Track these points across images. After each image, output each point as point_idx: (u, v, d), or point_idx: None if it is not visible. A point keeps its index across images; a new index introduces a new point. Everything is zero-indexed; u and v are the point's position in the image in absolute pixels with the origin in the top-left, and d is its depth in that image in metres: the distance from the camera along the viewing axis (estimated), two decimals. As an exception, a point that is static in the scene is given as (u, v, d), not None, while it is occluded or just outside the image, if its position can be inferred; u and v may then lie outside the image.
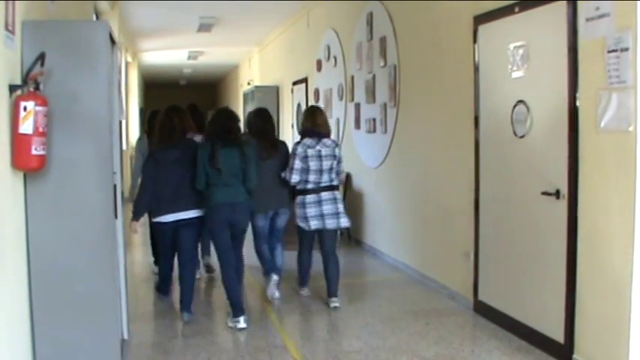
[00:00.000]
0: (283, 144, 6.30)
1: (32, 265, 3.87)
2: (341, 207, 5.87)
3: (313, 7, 10.85)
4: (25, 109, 3.40)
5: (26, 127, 3.41)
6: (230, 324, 5.29)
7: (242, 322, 5.22)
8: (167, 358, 4.65)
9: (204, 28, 12.61)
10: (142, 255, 8.71)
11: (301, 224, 5.86)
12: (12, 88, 3.45)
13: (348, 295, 6.61)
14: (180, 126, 5.56)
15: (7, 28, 3.38)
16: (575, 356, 4.23)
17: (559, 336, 4.37)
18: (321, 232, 5.88)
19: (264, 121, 6.17)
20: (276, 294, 6.06)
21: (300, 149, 5.76)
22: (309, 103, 11.45)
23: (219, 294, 6.38)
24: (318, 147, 5.79)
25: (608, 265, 3.92)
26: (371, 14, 8.05)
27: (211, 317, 5.63)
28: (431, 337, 4.97)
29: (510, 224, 5.02)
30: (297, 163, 5.73)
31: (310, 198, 5.79)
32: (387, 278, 6.98)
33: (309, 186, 5.79)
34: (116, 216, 4.31)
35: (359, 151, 8.69)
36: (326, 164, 5.79)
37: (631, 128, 3.69)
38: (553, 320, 4.42)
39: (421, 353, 4.66)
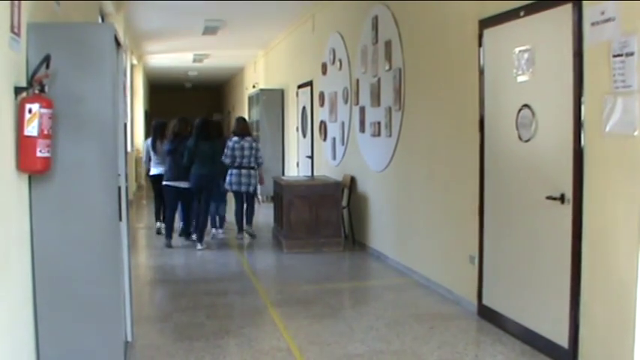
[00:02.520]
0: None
1: (37, 267, 3.88)
2: (252, 180, 9.46)
3: (319, 11, 10.86)
4: (30, 111, 3.41)
5: (31, 129, 3.42)
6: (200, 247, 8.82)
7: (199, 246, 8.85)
8: (171, 361, 4.65)
9: (210, 31, 12.64)
10: (146, 257, 8.73)
11: (227, 187, 9.49)
12: (17, 91, 3.46)
13: (352, 298, 6.63)
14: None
15: (12, 31, 3.39)
16: (579, 361, 4.22)
17: (563, 341, 4.36)
18: (239, 193, 9.50)
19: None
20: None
21: (230, 143, 9.40)
22: (314, 107, 11.49)
23: (223, 298, 6.40)
24: (241, 142, 9.37)
25: (613, 270, 3.91)
26: (376, 18, 8.05)
27: (216, 320, 5.62)
28: (435, 342, 4.96)
29: (515, 229, 5.01)
30: (228, 152, 9.31)
31: (234, 171, 9.36)
32: (392, 282, 6.97)
33: (235, 164, 9.33)
34: (121, 218, 4.31)
35: (364, 155, 8.69)
36: (246, 152, 9.35)
37: (636, 133, 3.67)
38: (557, 325, 4.41)
39: (425, 357, 4.64)
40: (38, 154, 3.46)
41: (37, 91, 3.53)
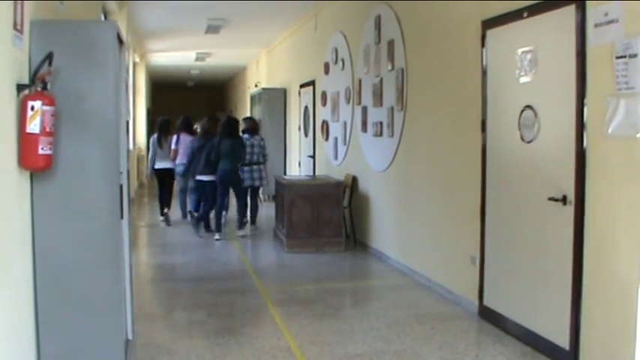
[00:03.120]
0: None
1: (38, 265, 3.87)
2: (263, 174, 10.08)
3: (321, 10, 10.86)
4: (32, 108, 3.40)
5: (33, 126, 3.41)
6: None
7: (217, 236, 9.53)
8: (171, 359, 4.64)
9: (212, 29, 12.64)
10: (147, 255, 8.73)
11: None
12: (20, 88, 3.46)
13: (353, 298, 6.62)
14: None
15: (15, 28, 3.39)
16: (580, 363, 4.22)
17: (564, 342, 4.35)
18: (248, 187, 10.04)
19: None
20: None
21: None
22: (316, 106, 11.49)
23: (224, 297, 6.40)
24: (251, 140, 9.97)
25: (614, 271, 3.90)
26: (379, 17, 8.05)
27: (217, 319, 5.62)
28: (436, 342, 4.96)
29: (516, 230, 5.01)
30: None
31: (245, 168, 9.87)
32: (393, 282, 6.97)
33: (246, 161, 9.86)
34: (122, 216, 4.31)
35: (365, 155, 8.68)
36: (255, 150, 9.95)
37: (639, 135, 3.67)
38: (558, 326, 4.41)
39: (426, 358, 4.64)
40: (40, 152, 3.46)
41: (39, 89, 3.53)
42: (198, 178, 10.03)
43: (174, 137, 10.75)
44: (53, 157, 3.63)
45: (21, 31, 3.51)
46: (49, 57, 3.62)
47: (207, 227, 10.17)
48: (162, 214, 11.04)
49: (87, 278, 3.99)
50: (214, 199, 9.82)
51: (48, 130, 3.47)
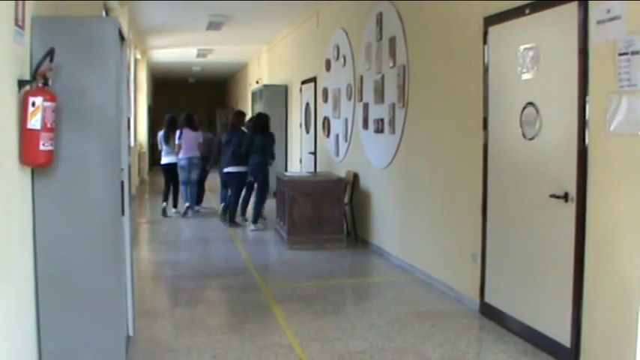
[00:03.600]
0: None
1: (39, 261, 3.87)
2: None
3: (323, 7, 10.85)
4: (33, 104, 3.40)
5: (34, 122, 3.41)
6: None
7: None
8: (172, 356, 4.64)
9: (214, 26, 12.62)
10: (148, 252, 8.74)
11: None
12: (21, 84, 3.46)
13: (354, 295, 6.63)
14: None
15: (16, 24, 3.39)
16: (581, 360, 4.22)
17: (565, 340, 4.35)
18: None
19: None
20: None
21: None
22: (317, 103, 11.49)
23: (225, 293, 6.40)
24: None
25: (616, 269, 3.90)
26: (381, 14, 8.04)
27: (218, 316, 5.63)
28: (437, 339, 4.96)
29: (518, 227, 5.00)
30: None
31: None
32: (394, 279, 6.97)
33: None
34: (123, 212, 4.31)
35: (367, 152, 8.68)
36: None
37: (641, 132, 3.66)
38: (560, 324, 4.40)
39: (427, 355, 4.64)
40: (41, 148, 3.45)
41: (40, 85, 3.52)
42: (227, 170, 10.48)
43: (177, 132, 11.19)
44: (54, 153, 3.63)
45: (22, 27, 3.51)
46: (51, 53, 3.61)
47: (233, 220, 10.52)
48: (175, 205, 11.64)
49: (88, 274, 4.00)
50: (240, 191, 10.42)
51: (49, 126, 3.47)
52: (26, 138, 3.43)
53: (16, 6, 3.37)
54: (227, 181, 10.75)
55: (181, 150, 11.12)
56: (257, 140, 9.98)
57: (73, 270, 3.97)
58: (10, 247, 3.35)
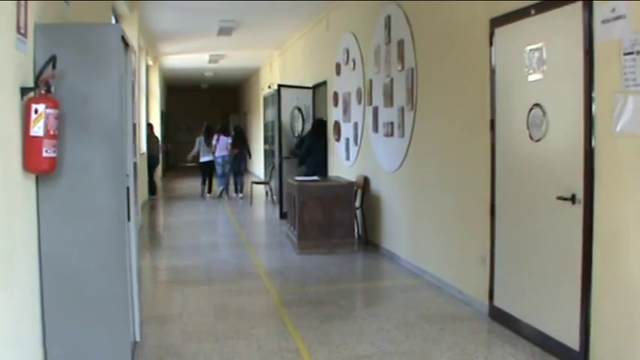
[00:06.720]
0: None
1: (44, 267, 3.89)
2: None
3: (332, 10, 10.85)
4: (36, 111, 3.43)
5: (37, 129, 3.44)
6: None
7: None
8: (179, 361, 4.65)
9: (225, 31, 12.67)
10: (150, 259, 8.75)
11: None
12: (23, 91, 3.48)
13: (363, 299, 6.60)
14: None
15: (19, 31, 3.41)
16: (590, 364, 4.17)
17: (574, 343, 4.30)
18: None
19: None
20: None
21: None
22: (328, 107, 11.48)
23: (233, 298, 6.40)
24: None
25: (624, 271, 3.85)
26: (389, 17, 8.02)
27: (224, 321, 5.62)
28: (445, 343, 4.92)
29: (526, 229, 4.96)
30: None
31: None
32: (404, 283, 6.94)
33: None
34: (129, 218, 4.32)
35: (377, 155, 8.66)
36: None
37: (647, 132, 3.62)
38: (568, 327, 4.36)
39: (435, 359, 4.61)
40: (44, 154, 3.48)
41: (43, 92, 3.55)
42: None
43: (215, 137, 15.34)
44: (58, 160, 3.65)
45: (25, 35, 3.53)
46: (52, 60, 3.64)
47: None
48: (209, 191, 15.71)
49: (93, 280, 4.01)
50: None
51: (52, 132, 3.49)
52: (29, 145, 3.45)
53: (18, 14, 3.39)
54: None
55: (216, 150, 15.21)
56: (317, 142, 11.21)
57: (79, 276, 3.99)
58: (14, 254, 3.36)
